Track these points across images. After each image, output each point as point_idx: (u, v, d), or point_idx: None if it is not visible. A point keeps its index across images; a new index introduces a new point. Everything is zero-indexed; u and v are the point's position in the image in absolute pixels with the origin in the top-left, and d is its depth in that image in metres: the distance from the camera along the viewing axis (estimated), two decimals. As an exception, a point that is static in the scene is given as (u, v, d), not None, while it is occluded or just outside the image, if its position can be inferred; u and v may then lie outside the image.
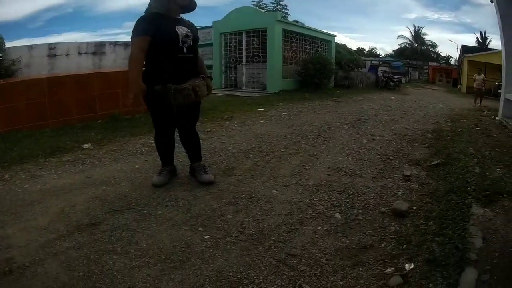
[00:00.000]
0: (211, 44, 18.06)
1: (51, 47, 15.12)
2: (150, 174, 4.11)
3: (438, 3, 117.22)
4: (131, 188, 3.70)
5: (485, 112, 12.11)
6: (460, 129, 7.45)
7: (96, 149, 5.42)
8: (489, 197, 3.28)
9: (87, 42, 16.38)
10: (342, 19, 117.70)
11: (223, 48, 17.29)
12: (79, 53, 15.80)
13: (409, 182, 3.98)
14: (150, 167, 4.43)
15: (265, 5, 28.44)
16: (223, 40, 17.28)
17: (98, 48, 16.36)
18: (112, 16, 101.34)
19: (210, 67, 16.56)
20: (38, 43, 15.25)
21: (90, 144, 5.65)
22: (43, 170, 4.42)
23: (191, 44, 3.47)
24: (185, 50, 3.40)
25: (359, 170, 4.43)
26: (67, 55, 15.43)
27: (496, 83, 25.03)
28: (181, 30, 3.38)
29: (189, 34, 3.45)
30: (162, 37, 3.28)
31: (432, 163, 4.69)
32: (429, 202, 3.33)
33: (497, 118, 9.91)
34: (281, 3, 29.11)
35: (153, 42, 3.26)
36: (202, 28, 19.30)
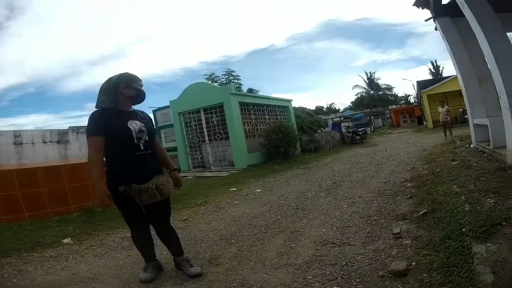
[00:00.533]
0: (172, 125, 18.11)
1: (16, 134, 15.29)
2: (136, 269, 4.03)
3: (382, 43, 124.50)
4: (120, 285, 3.66)
5: (458, 143, 12.35)
6: (438, 169, 7.48)
7: (76, 244, 5.46)
8: (487, 232, 3.25)
9: (51, 130, 16.61)
10: (295, 79, 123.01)
11: (184, 128, 17.32)
12: (44, 142, 15.95)
13: (401, 239, 3.92)
14: (135, 262, 4.33)
15: (217, 78, 29.05)
16: (182, 119, 17.33)
17: (62, 137, 16.63)
18: (73, 97, 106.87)
19: (174, 149, 17.07)
20: (4, 126, 15.75)
21: (69, 239, 5.70)
22: (28, 265, 4.58)
23: (147, 139, 3.42)
24: (142, 147, 3.35)
25: (346, 238, 4.33)
26: (32, 143, 15.58)
27: (461, 109, 26.05)
28: (134, 125, 3.34)
29: (143, 128, 3.41)
30: (115, 135, 3.24)
31: (420, 214, 4.66)
32: (427, 254, 3.26)
33: (471, 145, 10.14)
34: (232, 73, 29.70)
35: (107, 141, 3.23)
36: (161, 108, 19.58)
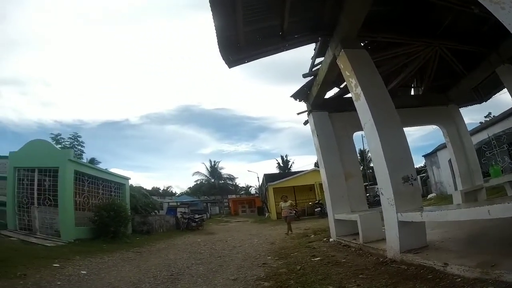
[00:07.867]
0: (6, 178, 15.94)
1: None
2: None
3: (234, 135, 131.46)
4: None
5: (311, 236, 11.93)
6: (299, 266, 6.67)
7: None
8: None
9: None
10: (139, 157, 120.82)
11: (16, 185, 15.21)
12: None
13: None
14: None
15: (62, 139, 27.23)
16: (16, 175, 15.28)
17: None
18: None
19: (3, 204, 15.21)
20: None
21: None
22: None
23: None
24: None
25: None
26: None
27: (310, 203, 27.39)
28: None
29: None
30: None
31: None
32: None
33: (331, 239, 9.93)
34: (78, 138, 28.49)
35: None
36: (1, 157, 17.91)
